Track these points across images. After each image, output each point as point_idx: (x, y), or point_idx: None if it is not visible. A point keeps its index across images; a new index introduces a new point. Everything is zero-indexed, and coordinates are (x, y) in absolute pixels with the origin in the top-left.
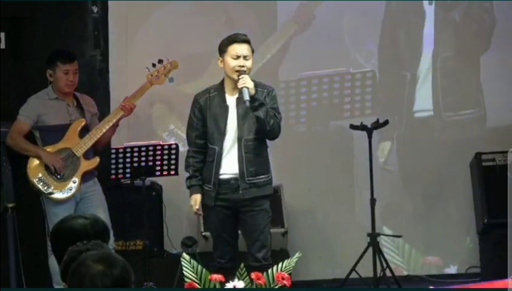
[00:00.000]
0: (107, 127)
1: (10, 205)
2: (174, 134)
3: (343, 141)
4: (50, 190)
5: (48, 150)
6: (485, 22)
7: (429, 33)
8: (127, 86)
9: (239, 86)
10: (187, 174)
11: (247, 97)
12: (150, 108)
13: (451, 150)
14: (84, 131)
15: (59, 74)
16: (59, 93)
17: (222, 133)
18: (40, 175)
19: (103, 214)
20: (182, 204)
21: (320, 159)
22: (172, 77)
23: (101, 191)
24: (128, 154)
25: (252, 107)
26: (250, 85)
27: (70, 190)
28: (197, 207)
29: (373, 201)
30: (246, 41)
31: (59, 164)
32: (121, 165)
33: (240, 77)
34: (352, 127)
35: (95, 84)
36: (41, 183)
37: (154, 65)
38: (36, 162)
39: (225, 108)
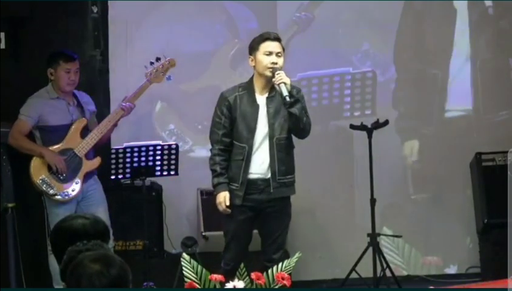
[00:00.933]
0: (108, 127)
1: (10, 205)
2: (174, 133)
3: (343, 141)
4: (52, 191)
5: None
6: None
7: (461, 31)
8: (127, 86)
9: (276, 83)
10: (209, 173)
11: (285, 92)
12: (151, 107)
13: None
14: (85, 130)
15: (60, 73)
16: (60, 92)
17: (252, 132)
18: (43, 176)
19: (103, 213)
20: (182, 204)
21: (320, 159)
22: (170, 76)
23: (101, 189)
24: (128, 154)
25: (288, 103)
26: (287, 80)
27: (73, 191)
28: (227, 204)
29: (373, 201)
30: (278, 39)
31: (62, 165)
32: (121, 165)
33: (276, 73)
34: (352, 127)
35: (95, 84)
36: (44, 185)
37: (152, 63)
38: (39, 163)
39: (256, 107)
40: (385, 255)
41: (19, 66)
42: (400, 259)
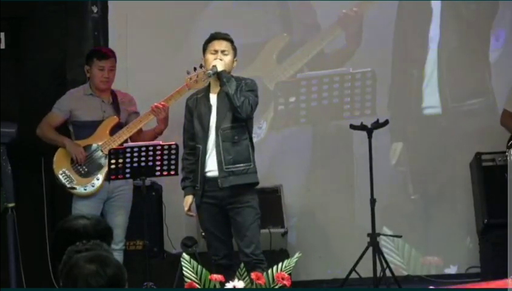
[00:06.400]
0: (138, 127)
1: (10, 205)
2: None
3: (343, 141)
4: (72, 185)
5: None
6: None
7: (434, 28)
8: (127, 86)
9: (210, 66)
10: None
11: (210, 71)
12: None
13: (459, 146)
14: (117, 129)
15: (94, 70)
16: (96, 89)
17: (206, 132)
18: (64, 169)
19: (122, 216)
20: (182, 204)
21: (320, 159)
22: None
23: (129, 191)
24: (128, 154)
25: (221, 84)
26: (220, 67)
27: (93, 186)
28: (186, 209)
29: (373, 201)
30: (226, 39)
31: (81, 156)
32: (120, 165)
33: (214, 59)
34: (352, 127)
35: None
36: (64, 177)
37: (195, 69)
38: (62, 155)
39: (210, 107)
40: (385, 255)
41: (19, 66)
42: (400, 259)
